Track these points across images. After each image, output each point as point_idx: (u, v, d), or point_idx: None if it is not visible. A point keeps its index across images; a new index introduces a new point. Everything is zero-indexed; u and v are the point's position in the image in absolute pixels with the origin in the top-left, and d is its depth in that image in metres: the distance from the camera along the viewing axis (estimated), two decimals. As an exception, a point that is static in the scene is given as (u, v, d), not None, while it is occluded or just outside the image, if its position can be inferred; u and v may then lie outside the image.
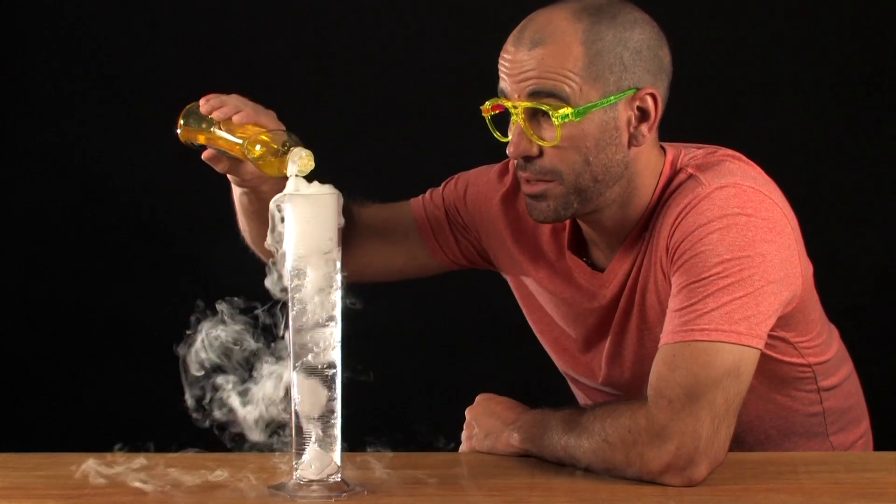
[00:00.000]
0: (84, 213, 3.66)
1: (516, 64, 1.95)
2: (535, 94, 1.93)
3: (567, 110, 1.93)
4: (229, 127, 1.97)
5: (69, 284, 3.67)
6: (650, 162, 2.01)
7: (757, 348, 1.88)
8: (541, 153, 1.96)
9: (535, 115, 1.95)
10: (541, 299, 2.17)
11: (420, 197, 2.26)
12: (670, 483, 1.83)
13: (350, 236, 2.19)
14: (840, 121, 3.47)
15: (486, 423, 2.04)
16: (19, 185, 3.67)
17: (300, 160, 1.85)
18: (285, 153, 1.88)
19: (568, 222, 2.10)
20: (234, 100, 1.99)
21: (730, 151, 2.04)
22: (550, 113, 1.93)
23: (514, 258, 2.16)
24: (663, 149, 2.04)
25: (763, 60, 3.48)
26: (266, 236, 1.84)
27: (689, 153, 2.04)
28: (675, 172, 2.02)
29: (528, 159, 1.97)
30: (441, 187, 2.25)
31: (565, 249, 2.10)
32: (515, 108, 1.94)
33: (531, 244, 2.15)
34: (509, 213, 2.16)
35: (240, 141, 1.94)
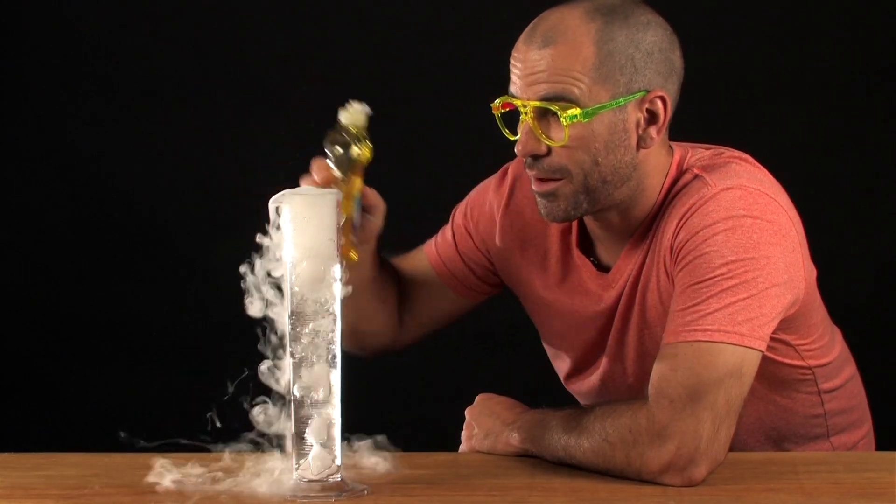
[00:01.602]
0: (84, 213, 3.66)
1: (527, 64, 1.95)
2: (544, 96, 1.94)
3: (576, 111, 1.93)
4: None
5: (69, 285, 3.67)
6: (658, 163, 2.01)
7: (759, 350, 1.88)
8: (549, 152, 1.96)
9: (544, 115, 1.95)
10: (543, 314, 2.17)
11: (432, 241, 2.24)
12: (670, 483, 1.83)
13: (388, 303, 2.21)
14: (840, 121, 3.47)
15: (486, 423, 2.04)
16: (19, 185, 3.67)
17: (350, 108, 1.85)
18: (351, 138, 1.86)
19: (575, 222, 2.10)
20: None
21: (737, 153, 2.04)
22: (559, 114, 1.92)
23: (522, 269, 2.15)
24: (671, 148, 2.04)
25: (763, 61, 3.48)
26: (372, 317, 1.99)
27: (696, 154, 2.04)
28: (681, 173, 2.02)
29: (536, 158, 1.97)
30: (450, 223, 2.23)
31: (573, 248, 2.10)
32: (525, 107, 1.94)
33: (539, 252, 2.14)
34: (515, 224, 2.15)
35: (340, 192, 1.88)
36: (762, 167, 2.03)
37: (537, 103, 1.93)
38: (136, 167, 3.64)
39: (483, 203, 2.20)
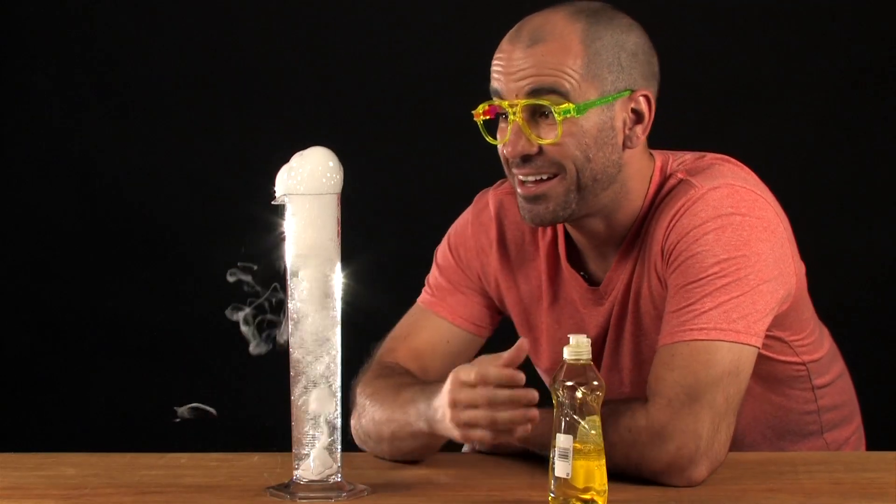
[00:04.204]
0: (84, 213, 3.66)
1: (513, 62, 1.94)
2: (534, 92, 1.93)
3: (569, 105, 1.92)
4: None
5: (70, 284, 3.67)
6: (641, 167, 2.01)
7: (755, 346, 1.89)
8: (539, 151, 1.95)
9: (533, 114, 1.95)
10: (536, 340, 2.14)
11: (424, 293, 2.18)
12: (671, 483, 1.83)
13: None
14: (836, 122, 3.47)
15: None
16: (20, 185, 3.68)
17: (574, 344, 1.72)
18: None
19: (562, 237, 2.09)
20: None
21: (718, 155, 2.04)
22: (552, 108, 1.92)
23: (516, 296, 2.14)
24: (652, 155, 2.04)
25: (761, 61, 3.48)
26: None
27: (678, 158, 2.04)
28: (665, 178, 2.02)
29: (525, 158, 1.96)
30: (436, 272, 2.18)
31: (562, 263, 2.08)
32: (513, 106, 1.93)
33: (531, 277, 2.12)
34: (509, 252, 2.13)
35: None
36: (744, 166, 2.03)
37: (525, 101, 1.92)
38: (136, 168, 3.64)
39: (466, 239, 2.16)
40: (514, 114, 1.93)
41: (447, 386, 1.85)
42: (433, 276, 2.19)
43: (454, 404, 1.83)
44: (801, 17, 3.45)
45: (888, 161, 3.47)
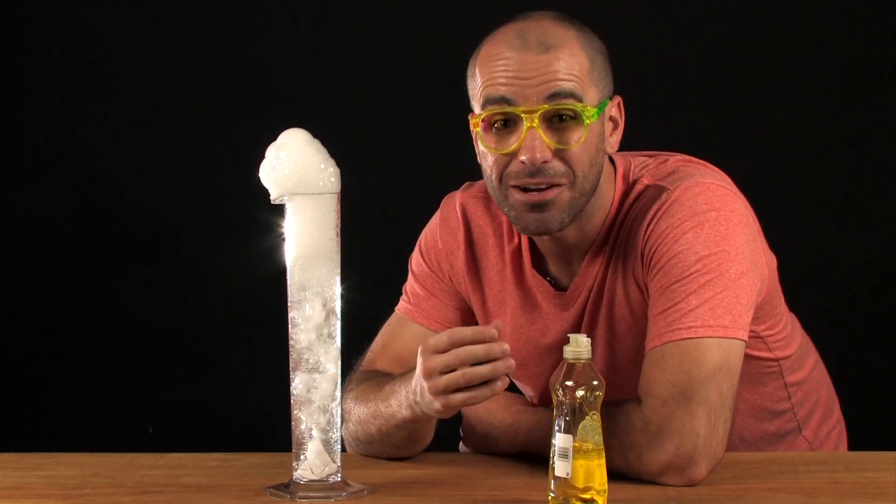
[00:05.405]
0: (85, 213, 3.66)
1: (527, 67, 1.91)
2: (555, 96, 1.91)
3: (593, 110, 1.92)
4: None
5: (70, 285, 3.67)
6: (608, 172, 2.02)
7: (742, 340, 1.89)
8: (548, 159, 1.92)
9: (550, 119, 1.92)
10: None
11: (401, 301, 2.18)
12: (671, 483, 1.83)
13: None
14: (836, 122, 3.47)
15: (486, 423, 2.04)
16: (20, 185, 3.67)
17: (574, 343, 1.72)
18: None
19: (526, 242, 2.08)
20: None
21: (680, 156, 2.05)
22: (583, 112, 1.91)
23: (482, 301, 2.13)
24: (611, 159, 2.04)
25: (761, 61, 3.48)
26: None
27: (638, 162, 2.04)
28: (629, 184, 2.01)
29: (534, 165, 1.93)
30: (412, 280, 2.17)
31: (527, 269, 2.07)
32: (531, 112, 1.91)
33: (495, 282, 2.11)
34: (476, 256, 2.13)
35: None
36: (708, 163, 2.04)
37: (549, 106, 1.90)
38: (136, 168, 3.64)
39: (436, 242, 2.16)
40: (531, 120, 1.91)
41: (419, 359, 1.83)
42: (409, 283, 2.18)
43: (429, 374, 1.81)
44: (802, 17, 3.45)
45: (888, 162, 3.47)
